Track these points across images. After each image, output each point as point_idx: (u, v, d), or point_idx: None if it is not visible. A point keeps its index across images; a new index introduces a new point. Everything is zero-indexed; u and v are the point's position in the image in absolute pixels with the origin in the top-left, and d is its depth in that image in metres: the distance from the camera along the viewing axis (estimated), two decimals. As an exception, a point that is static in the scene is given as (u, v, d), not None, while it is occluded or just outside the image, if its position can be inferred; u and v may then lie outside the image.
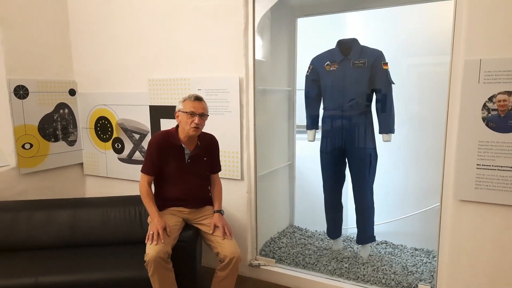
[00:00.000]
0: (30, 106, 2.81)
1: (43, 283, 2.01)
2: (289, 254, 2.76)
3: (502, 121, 1.84)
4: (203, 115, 2.11)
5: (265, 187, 2.89)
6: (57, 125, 3.02)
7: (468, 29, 1.86)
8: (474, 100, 1.88)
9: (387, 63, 2.50)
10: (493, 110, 1.85)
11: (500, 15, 1.79)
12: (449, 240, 2.06)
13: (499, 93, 1.83)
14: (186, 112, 2.08)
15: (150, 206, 2.14)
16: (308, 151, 3.16)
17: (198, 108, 2.09)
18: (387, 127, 2.54)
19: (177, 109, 2.14)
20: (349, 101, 2.56)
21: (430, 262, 2.61)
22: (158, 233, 1.99)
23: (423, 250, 2.83)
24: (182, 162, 2.18)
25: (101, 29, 2.97)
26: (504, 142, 1.85)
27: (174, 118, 2.19)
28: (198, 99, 2.11)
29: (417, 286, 2.29)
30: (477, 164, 1.91)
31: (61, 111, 3.05)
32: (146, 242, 2.01)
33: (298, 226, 3.34)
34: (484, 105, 1.87)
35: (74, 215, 2.49)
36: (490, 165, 1.89)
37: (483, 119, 1.87)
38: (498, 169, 1.88)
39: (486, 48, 1.84)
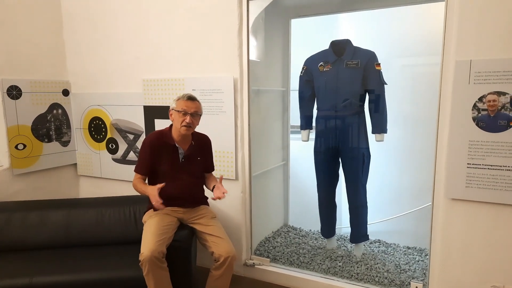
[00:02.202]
0: (23, 107, 2.79)
1: (38, 283, 2.01)
2: (283, 253, 2.78)
3: (492, 121, 1.88)
4: (196, 115, 2.13)
5: (260, 187, 2.91)
6: (51, 126, 3.01)
7: (459, 30, 1.90)
8: (464, 100, 1.91)
9: (379, 63, 2.53)
10: (483, 110, 1.89)
11: (490, 17, 1.83)
12: (440, 238, 2.09)
13: (489, 94, 1.87)
14: (179, 111, 2.10)
15: (142, 188, 2.14)
16: (302, 151, 3.18)
17: (191, 107, 2.10)
18: (380, 127, 2.57)
19: (170, 107, 2.17)
20: (343, 102, 2.59)
21: (423, 260, 2.65)
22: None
23: (415, 248, 2.86)
24: (176, 161, 2.19)
25: (95, 29, 2.96)
26: (494, 142, 1.88)
27: (169, 118, 2.20)
28: (191, 98, 2.13)
29: (409, 283, 2.33)
30: (468, 163, 1.95)
31: (55, 111, 3.04)
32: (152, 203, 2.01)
33: (293, 226, 3.36)
34: (475, 105, 1.90)
35: (68, 215, 2.49)
36: (480, 164, 1.93)
37: (474, 119, 1.91)
38: (488, 168, 1.91)
39: (476, 49, 1.87)
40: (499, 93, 1.85)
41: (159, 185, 2.03)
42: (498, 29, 1.82)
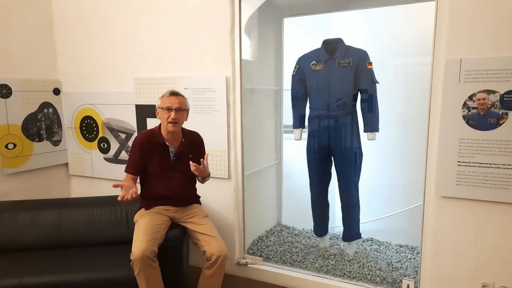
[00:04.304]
0: (14, 106, 2.76)
1: (27, 284, 1.98)
2: (276, 252, 2.78)
3: (481, 119, 1.89)
4: (180, 110, 2.11)
5: (253, 186, 2.90)
6: (41, 125, 2.98)
7: (449, 29, 1.91)
8: (454, 99, 1.93)
9: (371, 62, 2.54)
10: (473, 108, 1.90)
11: (479, 16, 1.84)
12: (431, 236, 2.10)
13: (478, 92, 1.88)
14: (163, 108, 2.09)
15: (125, 179, 2.08)
16: (295, 150, 3.18)
17: (174, 102, 2.09)
18: (372, 126, 2.57)
19: (156, 106, 2.16)
20: (337, 101, 2.59)
21: (414, 258, 2.66)
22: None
23: (407, 246, 2.88)
24: (167, 160, 2.18)
25: (86, 27, 2.94)
26: (483, 140, 1.90)
27: (161, 117, 2.19)
28: (173, 94, 2.12)
29: (401, 281, 2.34)
30: (458, 161, 1.96)
31: (45, 110, 3.01)
32: (119, 199, 1.90)
33: (286, 225, 3.36)
34: (465, 104, 1.91)
35: (59, 215, 2.47)
36: (470, 162, 1.94)
37: (464, 117, 1.92)
38: (478, 166, 1.93)
39: (466, 48, 1.89)
40: (488, 92, 1.86)
41: (136, 192, 1.93)
42: (488, 28, 1.83)
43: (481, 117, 1.89)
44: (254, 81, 2.88)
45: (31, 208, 2.50)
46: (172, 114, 2.07)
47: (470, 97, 1.90)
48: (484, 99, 1.88)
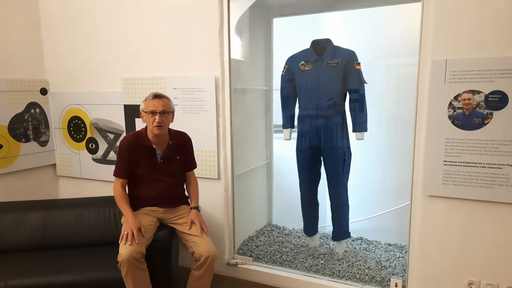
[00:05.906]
0: (0, 106, 2.72)
1: (13, 286, 1.95)
2: (266, 252, 2.78)
3: (467, 119, 1.92)
4: (165, 112, 2.07)
5: (243, 186, 2.90)
6: (28, 125, 2.94)
7: (435, 30, 1.93)
8: (440, 99, 1.95)
9: (359, 63, 2.55)
10: (458, 108, 1.92)
11: (464, 17, 1.86)
12: (418, 235, 2.12)
13: (464, 92, 1.90)
14: (147, 111, 2.06)
15: (124, 207, 2.12)
16: (285, 150, 3.19)
17: (158, 106, 2.05)
18: (360, 126, 2.59)
19: (140, 109, 2.13)
20: (327, 101, 2.60)
21: (403, 257, 2.69)
22: (133, 233, 1.97)
23: (396, 245, 2.90)
24: (155, 162, 2.16)
25: (73, 26, 2.91)
26: (468, 139, 1.92)
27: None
28: (157, 96, 2.08)
29: (389, 280, 2.36)
30: (444, 161, 1.98)
31: (32, 110, 2.97)
32: (119, 242, 1.98)
33: (276, 225, 3.37)
34: (450, 104, 1.94)
35: (46, 216, 2.44)
36: (456, 162, 1.96)
37: (449, 117, 1.94)
38: (463, 165, 1.95)
39: (451, 49, 1.91)
40: (473, 92, 1.89)
41: (141, 228, 2.02)
42: (472, 29, 1.86)
43: (466, 117, 1.92)
44: (244, 81, 2.88)
45: (18, 209, 2.46)
46: (157, 117, 2.03)
47: (456, 97, 1.92)
48: (469, 99, 1.90)
